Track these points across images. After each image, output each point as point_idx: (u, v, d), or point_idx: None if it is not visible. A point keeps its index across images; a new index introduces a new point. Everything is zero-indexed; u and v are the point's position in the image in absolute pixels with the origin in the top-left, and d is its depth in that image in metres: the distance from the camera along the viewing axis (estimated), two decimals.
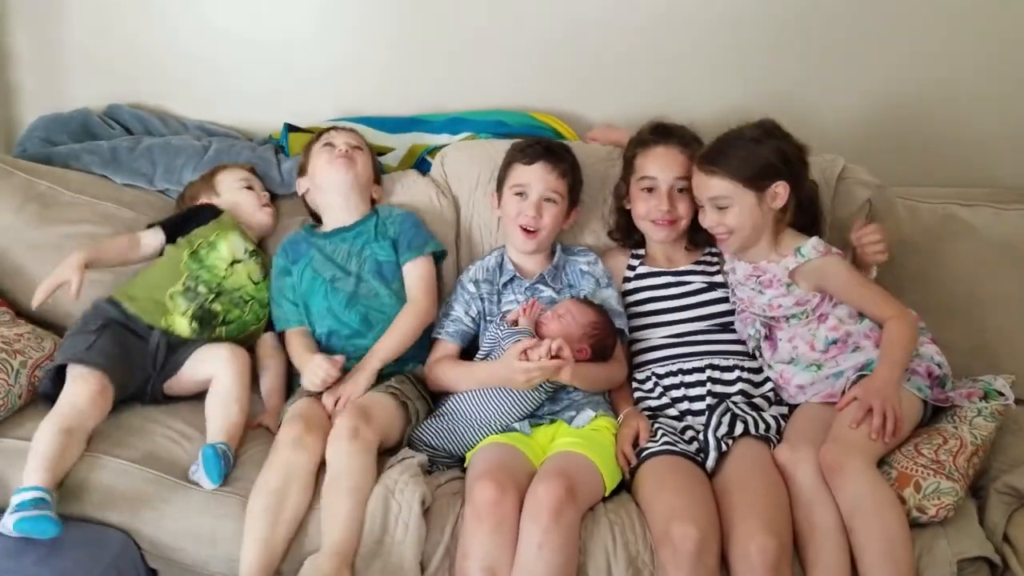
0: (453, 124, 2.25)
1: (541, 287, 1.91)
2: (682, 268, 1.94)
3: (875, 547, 1.49)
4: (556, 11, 2.24)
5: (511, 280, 1.93)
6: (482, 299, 1.91)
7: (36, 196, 2.02)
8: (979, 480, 1.66)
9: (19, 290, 1.98)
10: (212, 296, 1.88)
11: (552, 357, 1.65)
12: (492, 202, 2.01)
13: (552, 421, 1.77)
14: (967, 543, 1.55)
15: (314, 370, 1.77)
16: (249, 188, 2.07)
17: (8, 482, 1.61)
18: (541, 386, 1.73)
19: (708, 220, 1.81)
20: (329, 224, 2.03)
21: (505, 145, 2.03)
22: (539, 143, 1.95)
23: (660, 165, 1.87)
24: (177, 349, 1.83)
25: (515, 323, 1.82)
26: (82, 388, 1.66)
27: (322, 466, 1.65)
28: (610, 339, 1.82)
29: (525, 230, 1.89)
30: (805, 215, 1.85)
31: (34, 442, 1.59)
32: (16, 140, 2.27)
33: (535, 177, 1.89)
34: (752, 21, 2.23)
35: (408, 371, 1.90)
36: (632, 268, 1.98)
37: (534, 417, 1.77)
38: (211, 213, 1.99)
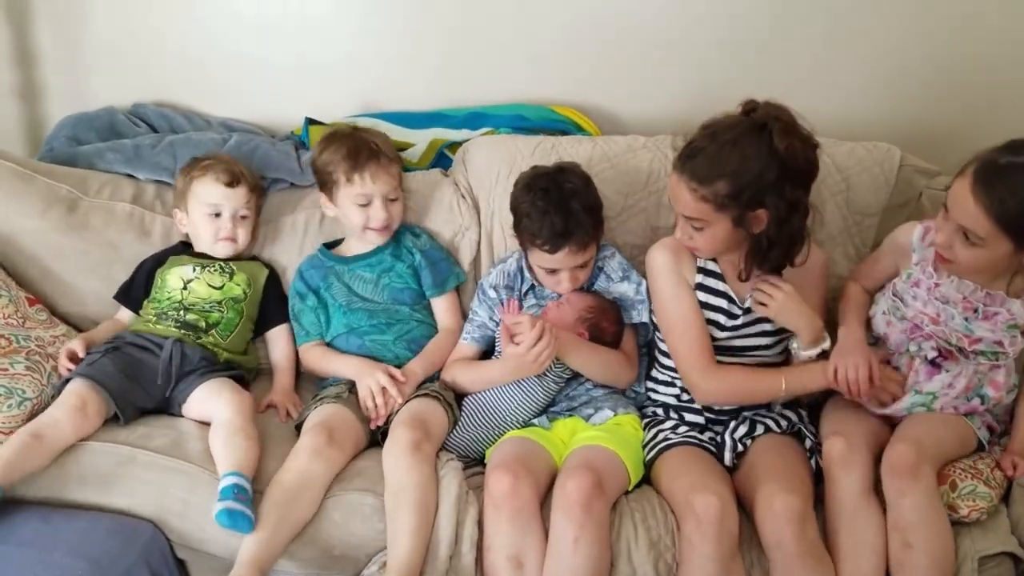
0: (473, 119, 2.25)
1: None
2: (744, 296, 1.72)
3: (929, 569, 1.48)
4: (578, 3, 2.22)
5: (532, 287, 1.91)
6: (503, 304, 1.89)
7: (58, 200, 2.02)
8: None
9: (52, 292, 2.01)
10: (182, 312, 1.91)
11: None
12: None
13: (570, 415, 1.78)
14: (991, 539, 1.54)
15: (372, 385, 1.78)
16: (216, 215, 1.97)
17: None
18: (547, 374, 1.74)
19: None
20: (348, 248, 2.03)
21: (526, 143, 2.03)
22: (549, 220, 1.73)
23: (672, 196, 1.67)
24: (191, 359, 1.83)
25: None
26: (64, 400, 1.69)
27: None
28: (607, 323, 1.81)
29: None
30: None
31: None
32: (43, 139, 2.29)
33: (562, 262, 1.77)
34: (783, 10, 2.20)
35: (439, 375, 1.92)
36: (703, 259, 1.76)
37: (552, 412, 1.78)
38: (153, 264, 1.99)
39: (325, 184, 1.97)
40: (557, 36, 2.25)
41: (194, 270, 1.96)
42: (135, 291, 1.99)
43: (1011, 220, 1.44)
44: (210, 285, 1.94)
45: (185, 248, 2.03)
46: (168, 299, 1.92)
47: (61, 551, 1.50)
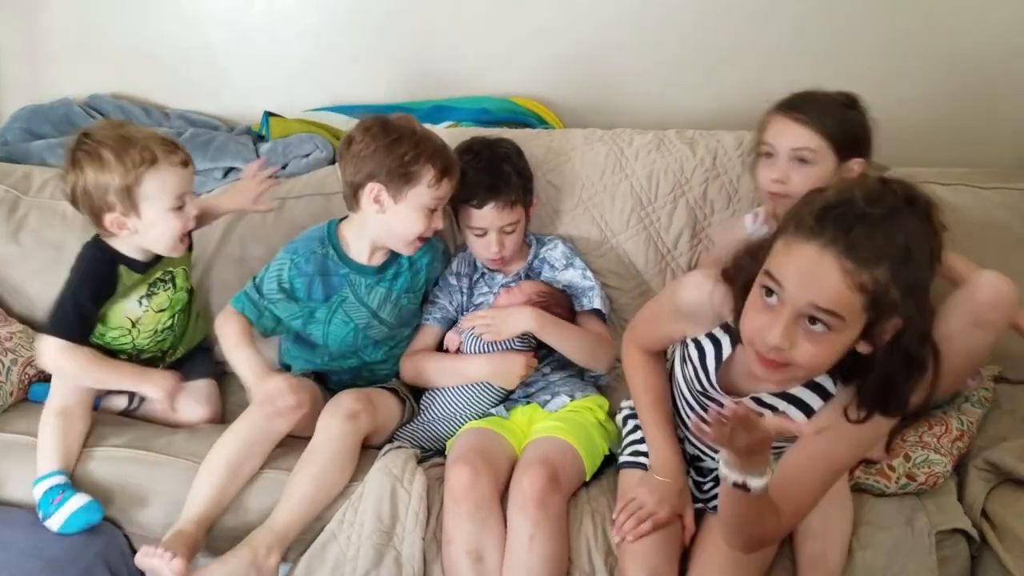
0: (436, 112, 2.24)
1: (514, 283, 1.89)
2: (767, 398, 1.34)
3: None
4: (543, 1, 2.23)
5: (483, 275, 1.92)
6: (461, 292, 1.90)
7: None
8: (961, 459, 1.68)
9: (5, 296, 2.01)
10: (136, 354, 1.77)
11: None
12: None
13: (527, 403, 1.79)
14: (946, 516, 1.57)
15: (271, 397, 1.58)
16: (179, 209, 1.61)
17: None
18: None
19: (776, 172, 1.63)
20: (354, 252, 1.79)
21: (487, 135, 2.04)
22: (478, 177, 1.76)
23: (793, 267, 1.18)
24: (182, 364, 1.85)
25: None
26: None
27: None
28: (558, 308, 1.81)
29: (493, 260, 1.85)
30: None
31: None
32: None
33: (487, 218, 1.78)
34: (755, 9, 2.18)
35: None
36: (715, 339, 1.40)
37: (509, 400, 1.79)
38: (105, 275, 1.64)
39: (385, 177, 1.67)
40: (522, 33, 2.25)
41: (140, 303, 1.69)
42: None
43: (833, 132, 1.61)
44: (158, 311, 1.73)
45: (114, 264, 1.65)
46: (116, 345, 1.73)
47: (16, 550, 1.49)
